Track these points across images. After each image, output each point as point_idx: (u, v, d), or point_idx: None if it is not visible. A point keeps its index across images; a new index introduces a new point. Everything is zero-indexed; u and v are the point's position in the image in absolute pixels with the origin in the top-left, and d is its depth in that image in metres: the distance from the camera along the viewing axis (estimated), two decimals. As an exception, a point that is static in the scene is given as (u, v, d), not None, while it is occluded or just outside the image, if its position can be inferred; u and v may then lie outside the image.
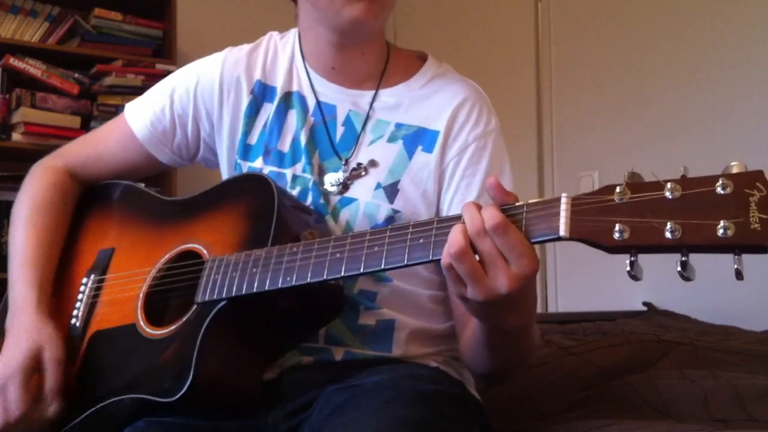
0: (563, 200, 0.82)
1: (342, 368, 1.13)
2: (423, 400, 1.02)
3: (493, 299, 0.86)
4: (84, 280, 1.25)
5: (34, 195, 1.32)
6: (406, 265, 0.92)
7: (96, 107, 3.15)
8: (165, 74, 3.14)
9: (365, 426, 0.96)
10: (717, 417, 1.20)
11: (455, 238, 0.86)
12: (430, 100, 1.24)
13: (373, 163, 1.21)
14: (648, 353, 1.56)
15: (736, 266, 0.74)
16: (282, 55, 1.30)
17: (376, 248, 0.93)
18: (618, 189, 0.79)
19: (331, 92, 1.26)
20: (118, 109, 3.15)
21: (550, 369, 1.52)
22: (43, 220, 1.29)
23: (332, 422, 1.01)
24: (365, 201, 1.19)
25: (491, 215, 0.84)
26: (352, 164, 1.21)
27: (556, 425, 1.23)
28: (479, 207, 0.87)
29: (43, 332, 1.15)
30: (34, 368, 1.12)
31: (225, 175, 1.30)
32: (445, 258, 0.87)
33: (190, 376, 1.00)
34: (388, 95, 1.25)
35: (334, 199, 1.20)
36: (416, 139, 1.21)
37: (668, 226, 0.75)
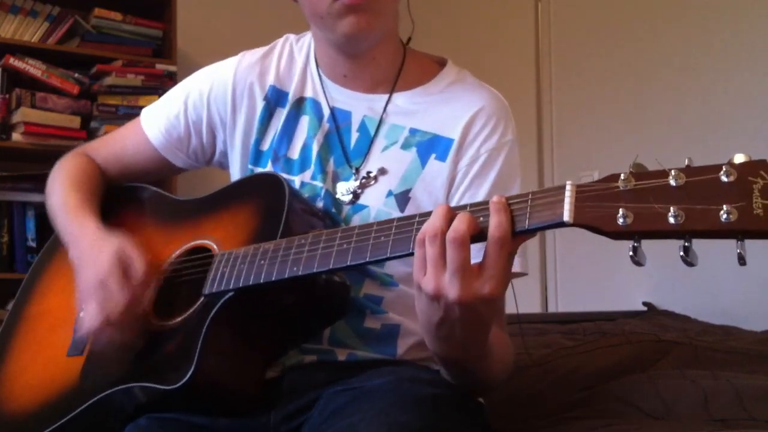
0: (568, 187, 0.83)
1: (344, 368, 1.13)
2: (423, 405, 1.02)
3: (440, 298, 0.87)
4: None
5: (67, 171, 1.35)
6: (412, 254, 0.92)
7: (96, 107, 3.15)
8: (165, 74, 3.22)
9: (365, 430, 0.96)
10: (717, 417, 1.20)
11: (436, 222, 0.87)
12: (446, 106, 1.22)
13: (382, 171, 1.20)
14: (648, 353, 1.56)
15: (738, 251, 0.74)
16: (298, 58, 1.30)
17: (382, 238, 0.94)
18: (622, 176, 0.80)
19: (345, 98, 1.25)
20: (118, 109, 3.15)
21: (550, 369, 1.52)
22: (82, 185, 1.31)
23: (332, 424, 1.01)
24: (376, 208, 1.19)
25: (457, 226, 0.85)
26: (362, 173, 1.21)
27: (556, 425, 1.23)
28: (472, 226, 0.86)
29: (114, 237, 1.16)
30: (124, 263, 1.11)
31: (234, 179, 1.30)
32: (420, 234, 0.88)
33: (193, 366, 1.00)
34: (403, 99, 1.24)
35: (346, 208, 1.20)
36: (430, 146, 1.20)
37: (672, 211, 0.76)
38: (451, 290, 0.86)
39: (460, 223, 0.86)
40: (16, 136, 3.01)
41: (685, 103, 2.85)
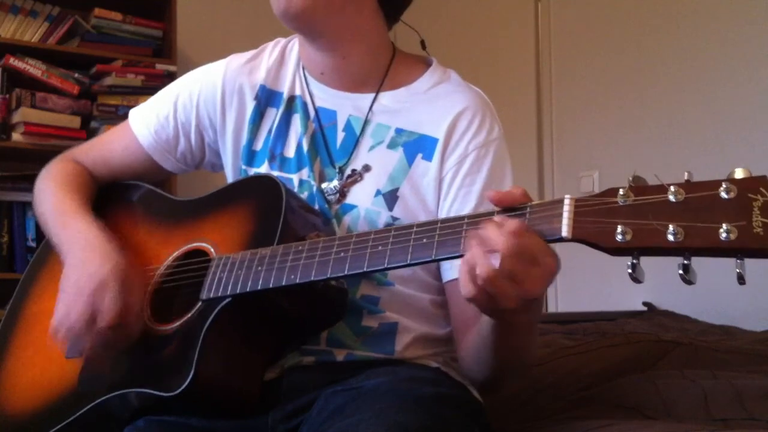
0: (566, 201, 0.83)
1: (343, 369, 1.13)
2: (423, 405, 1.02)
3: (524, 303, 0.86)
4: None
5: (55, 177, 1.33)
6: (409, 265, 0.93)
7: (96, 107, 3.15)
8: (165, 74, 3.22)
9: (364, 431, 0.95)
10: (717, 417, 1.20)
11: (486, 268, 0.84)
12: (431, 105, 1.23)
13: (366, 168, 1.21)
14: (648, 353, 1.56)
15: (738, 270, 0.73)
16: (289, 58, 1.30)
17: (379, 248, 0.94)
18: (621, 191, 0.79)
19: (330, 97, 1.26)
20: (118, 109, 3.14)
21: (550, 369, 1.52)
22: (72, 189, 1.30)
23: (331, 425, 1.01)
24: (365, 208, 1.19)
25: (511, 229, 0.83)
26: (347, 171, 1.21)
27: (556, 425, 1.23)
28: (495, 223, 0.85)
29: (109, 247, 1.15)
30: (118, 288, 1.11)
31: (229, 181, 1.30)
32: (472, 287, 0.85)
33: (192, 372, 1.00)
34: (388, 99, 1.24)
35: (335, 206, 1.20)
36: (417, 146, 1.20)
37: (670, 228, 0.75)
38: (530, 293, 0.85)
39: (511, 224, 0.84)
40: (16, 136, 3.01)
41: (685, 103, 2.85)
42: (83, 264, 1.14)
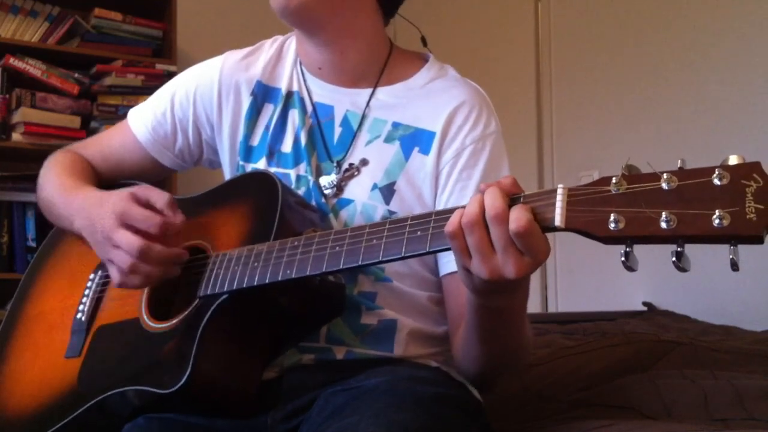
0: (559, 191, 0.83)
1: (342, 368, 1.13)
2: (422, 404, 1.02)
3: (497, 279, 0.86)
4: (91, 276, 1.26)
5: (57, 163, 1.33)
6: (404, 257, 0.93)
7: (96, 107, 3.15)
8: (165, 74, 3.22)
9: (363, 430, 0.95)
10: (717, 417, 1.20)
11: (472, 208, 0.86)
12: (428, 100, 1.23)
13: (364, 162, 1.21)
14: (648, 353, 1.56)
15: (731, 257, 0.73)
16: (287, 55, 1.31)
17: (374, 241, 0.94)
18: (614, 180, 0.80)
19: (327, 92, 1.26)
20: (118, 109, 3.15)
21: (550, 369, 1.52)
22: (75, 171, 1.30)
23: (330, 425, 1.01)
24: (362, 202, 1.19)
25: (518, 217, 0.83)
26: (344, 165, 1.21)
27: (556, 425, 1.23)
28: (506, 199, 0.86)
29: (119, 189, 1.14)
30: (142, 198, 1.10)
31: (227, 177, 1.31)
32: (454, 225, 0.86)
33: (189, 369, 1.00)
34: (386, 94, 1.25)
35: (332, 201, 1.20)
36: (413, 140, 1.21)
37: (663, 216, 0.75)
38: (507, 268, 0.85)
39: (495, 200, 0.85)
40: (16, 136, 3.01)
41: (685, 103, 2.85)
42: (98, 217, 1.13)
